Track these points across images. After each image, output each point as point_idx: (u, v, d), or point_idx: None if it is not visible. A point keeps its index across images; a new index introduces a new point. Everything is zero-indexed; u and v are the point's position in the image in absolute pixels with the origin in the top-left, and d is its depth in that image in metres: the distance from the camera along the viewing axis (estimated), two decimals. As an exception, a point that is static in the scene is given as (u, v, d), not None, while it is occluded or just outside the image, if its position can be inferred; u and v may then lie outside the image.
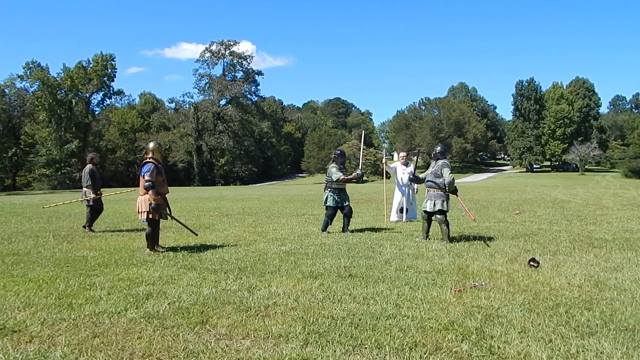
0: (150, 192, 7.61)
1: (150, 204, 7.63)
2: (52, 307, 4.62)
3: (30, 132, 70.93)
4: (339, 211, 9.92)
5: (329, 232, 9.78)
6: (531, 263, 6.23)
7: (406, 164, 12.27)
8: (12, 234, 10.48)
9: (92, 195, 10.70)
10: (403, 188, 12.02)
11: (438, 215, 8.42)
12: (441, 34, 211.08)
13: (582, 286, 5.22)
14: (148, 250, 7.81)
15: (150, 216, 7.69)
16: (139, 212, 7.79)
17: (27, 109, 70.99)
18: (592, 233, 9.48)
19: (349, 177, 9.89)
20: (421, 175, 9.00)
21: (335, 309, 4.46)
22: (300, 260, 6.82)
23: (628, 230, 9.95)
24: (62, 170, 68.06)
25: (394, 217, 12.05)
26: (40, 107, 68.60)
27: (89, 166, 10.96)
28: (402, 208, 11.99)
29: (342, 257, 7.04)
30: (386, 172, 12.48)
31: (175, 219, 8.64)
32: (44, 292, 5.19)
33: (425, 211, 8.59)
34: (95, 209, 10.83)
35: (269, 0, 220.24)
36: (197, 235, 9.20)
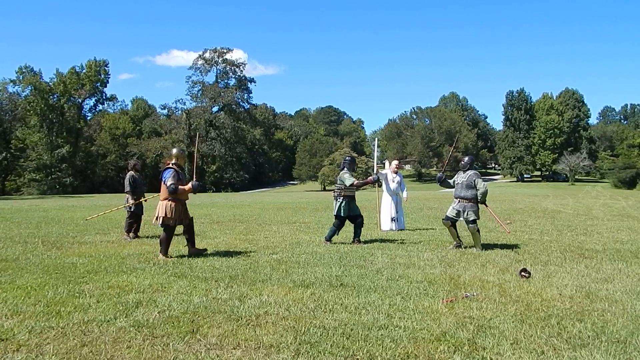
0: (179, 190, 7.66)
1: (193, 184, 7.71)
2: (40, 315, 4.55)
3: (21, 137, 70.49)
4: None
5: (333, 243, 9.41)
6: (522, 273, 6.23)
7: (396, 172, 12.34)
8: (0, 240, 10.35)
9: (132, 201, 10.69)
10: (393, 196, 12.08)
11: (471, 225, 8.50)
12: (432, 44, 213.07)
13: (573, 297, 5.23)
14: (161, 255, 7.74)
15: (167, 222, 7.69)
16: (156, 217, 7.81)
17: (19, 113, 70.58)
18: (583, 243, 9.53)
19: (364, 181, 9.55)
20: (450, 181, 9.10)
21: (327, 319, 4.43)
22: (292, 269, 6.78)
23: (618, 241, 10.01)
24: (52, 176, 67.52)
25: (386, 226, 12.04)
26: (32, 111, 68.24)
27: (130, 173, 10.93)
28: (393, 217, 12.01)
29: (334, 266, 7.01)
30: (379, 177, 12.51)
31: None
32: (32, 300, 5.12)
33: (451, 218, 8.68)
34: (136, 215, 10.82)
35: (260, 8, 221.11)
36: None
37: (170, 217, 7.71)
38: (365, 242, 9.63)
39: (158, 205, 7.85)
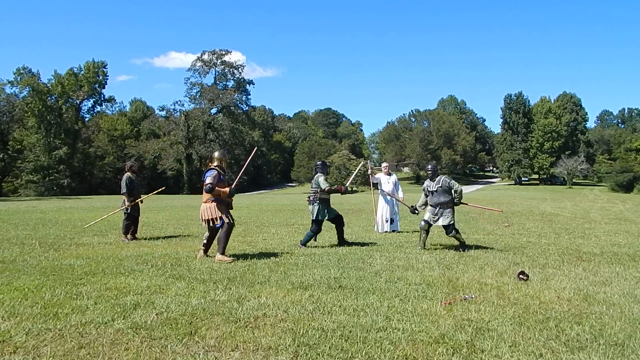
0: (215, 191, 7.60)
1: (231, 189, 7.71)
2: (37, 317, 4.54)
3: (18, 138, 70.26)
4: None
5: (308, 247, 9.29)
6: (520, 276, 6.24)
7: (389, 174, 12.36)
8: (-2, 241, 10.31)
9: (128, 203, 10.65)
10: (387, 198, 12.09)
11: (450, 231, 8.80)
12: (431, 47, 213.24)
13: (571, 300, 5.23)
14: (219, 255, 7.63)
15: (226, 220, 7.63)
16: (204, 219, 7.71)
17: (17, 114, 70.37)
18: (581, 246, 9.54)
19: (335, 188, 9.36)
20: (420, 203, 9.29)
21: (326, 321, 4.43)
22: (290, 271, 6.78)
23: (616, 244, 10.03)
24: (50, 177, 67.32)
25: (381, 228, 12.04)
26: (29, 113, 68.06)
27: (127, 174, 10.90)
28: (388, 219, 12.02)
29: (332, 268, 7.01)
30: (373, 182, 12.52)
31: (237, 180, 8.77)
32: (29, 301, 5.10)
33: (428, 222, 8.90)
34: (133, 216, 10.78)
35: (258, 10, 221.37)
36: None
37: (219, 217, 7.62)
38: (363, 244, 9.62)
39: (201, 208, 7.78)
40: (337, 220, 9.51)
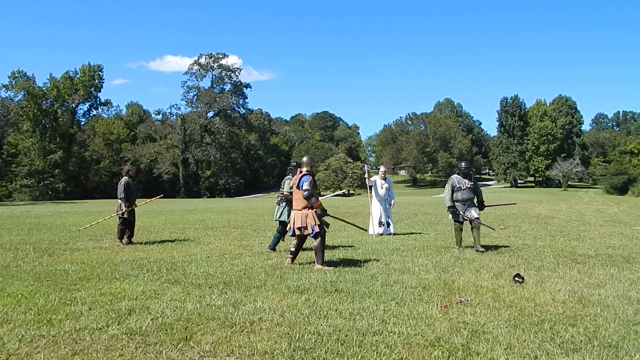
0: (312, 199, 7.36)
1: (316, 212, 7.39)
2: (31, 323, 4.51)
3: (13, 142, 70.01)
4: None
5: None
6: (516, 279, 6.25)
7: (384, 178, 12.40)
8: (-8, 246, 10.25)
9: (125, 208, 10.62)
10: (382, 201, 12.13)
11: (478, 219, 9.34)
12: (427, 50, 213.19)
13: (566, 302, 5.24)
14: (319, 265, 7.32)
15: (318, 229, 7.35)
16: (296, 226, 7.41)
17: (11, 118, 70.19)
18: (576, 249, 9.56)
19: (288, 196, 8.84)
20: (449, 203, 9.47)
21: (322, 325, 4.42)
22: (286, 275, 6.77)
23: (610, 246, 10.06)
24: (45, 181, 67.07)
25: (376, 230, 12.04)
26: (24, 116, 67.89)
27: (124, 178, 10.88)
28: (382, 222, 12.04)
29: (328, 271, 7.00)
30: (369, 185, 12.55)
31: (339, 218, 8.92)
32: (22, 308, 5.07)
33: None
34: (128, 221, 10.72)
35: (254, 14, 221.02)
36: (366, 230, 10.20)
37: (312, 225, 7.34)
38: (359, 248, 9.62)
39: (297, 215, 7.46)
40: (286, 227, 9.39)
